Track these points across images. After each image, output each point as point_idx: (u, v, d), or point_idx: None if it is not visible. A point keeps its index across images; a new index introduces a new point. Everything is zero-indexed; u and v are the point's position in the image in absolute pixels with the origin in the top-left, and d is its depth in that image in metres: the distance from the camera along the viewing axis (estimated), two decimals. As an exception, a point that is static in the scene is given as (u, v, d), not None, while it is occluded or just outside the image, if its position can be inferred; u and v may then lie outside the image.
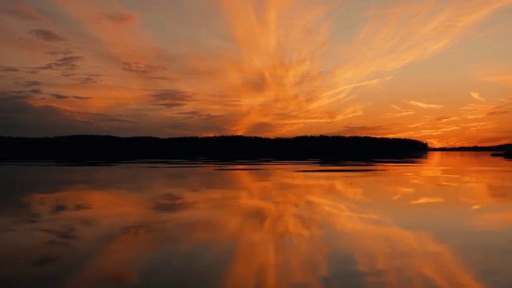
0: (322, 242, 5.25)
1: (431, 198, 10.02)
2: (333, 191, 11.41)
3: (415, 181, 15.20)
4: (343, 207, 8.39)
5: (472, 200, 9.60)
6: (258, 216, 7.26)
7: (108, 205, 8.80)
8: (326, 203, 8.99)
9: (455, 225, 6.56)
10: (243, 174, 19.41)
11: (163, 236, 5.63)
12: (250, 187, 12.81)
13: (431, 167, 26.73)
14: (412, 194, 10.83)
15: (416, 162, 37.51)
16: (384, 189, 12.00)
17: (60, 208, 8.10)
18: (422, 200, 9.60)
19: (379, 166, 27.96)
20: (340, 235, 5.70)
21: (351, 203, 9.02)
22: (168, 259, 4.47)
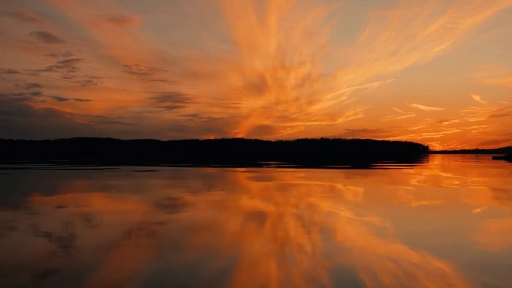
0: (319, 247, 5.12)
1: (431, 204, 9.87)
2: (328, 193, 11.27)
3: (413, 185, 15.04)
4: (339, 209, 8.25)
5: (479, 208, 9.45)
6: (253, 219, 7.14)
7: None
8: (321, 205, 8.85)
9: (459, 239, 6.41)
10: (242, 177, 19.30)
11: (164, 240, 5.50)
12: (247, 190, 12.70)
13: (432, 171, 26.59)
14: (409, 199, 10.69)
15: (416, 164, 37.38)
16: (377, 192, 11.86)
17: (61, 213, 7.98)
18: (422, 207, 9.45)
19: (378, 169, 27.82)
20: (336, 239, 5.57)
21: (345, 205, 8.88)
22: (169, 263, 4.35)
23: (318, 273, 4.06)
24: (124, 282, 3.83)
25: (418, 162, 46.77)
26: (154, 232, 6.03)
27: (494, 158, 67.56)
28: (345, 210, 8.30)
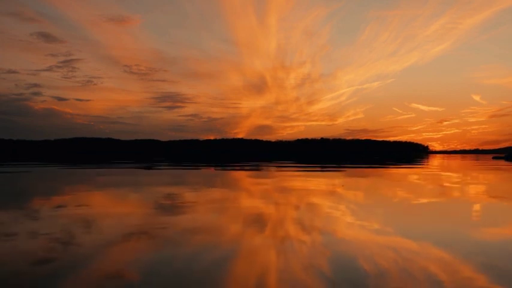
0: (318, 246, 5.12)
1: (431, 204, 9.87)
2: (326, 193, 11.27)
3: (413, 185, 15.04)
4: (337, 209, 8.26)
5: (481, 210, 9.45)
6: (252, 220, 7.14)
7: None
8: (320, 206, 8.85)
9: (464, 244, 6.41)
10: (242, 178, 19.31)
11: (164, 241, 5.51)
12: (246, 191, 12.70)
13: (433, 171, 26.58)
14: (408, 200, 10.69)
15: (417, 165, 37.36)
16: (376, 193, 11.86)
17: (62, 212, 7.98)
18: (421, 207, 9.45)
19: (378, 169, 27.82)
20: (335, 239, 5.58)
21: (344, 206, 8.89)
22: (168, 264, 4.35)
23: (317, 271, 4.06)
24: (123, 280, 3.84)
25: (418, 162, 46.75)
26: (154, 232, 6.04)
27: (494, 158, 67.66)
28: (343, 210, 8.31)
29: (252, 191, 12.37)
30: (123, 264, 4.36)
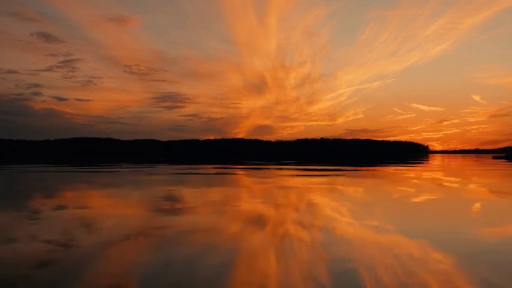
0: (317, 246, 5.08)
1: (429, 203, 9.84)
2: (326, 193, 11.23)
3: (412, 185, 15.00)
4: (337, 209, 8.23)
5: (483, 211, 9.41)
6: (252, 218, 7.11)
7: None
8: (319, 205, 8.81)
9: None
10: (242, 178, 19.27)
11: (164, 241, 5.48)
12: (246, 191, 12.67)
13: (432, 170, 26.54)
14: (407, 199, 10.65)
15: (417, 164, 37.32)
16: (375, 192, 11.82)
17: (61, 213, 7.94)
18: (420, 206, 9.42)
19: (378, 169, 27.77)
20: (334, 239, 5.54)
21: (343, 205, 8.85)
22: (168, 266, 4.32)
23: (317, 271, 4.03)
24: (123, 281, 3.81)
25: (418, 162, 46.73)
26: (154, 234, 6.01)
27: (494, 158, 67.69)
28: (342, 209, 8.28)
29: (254, 192, 12.34)
30: (123, 270, 4.33)
